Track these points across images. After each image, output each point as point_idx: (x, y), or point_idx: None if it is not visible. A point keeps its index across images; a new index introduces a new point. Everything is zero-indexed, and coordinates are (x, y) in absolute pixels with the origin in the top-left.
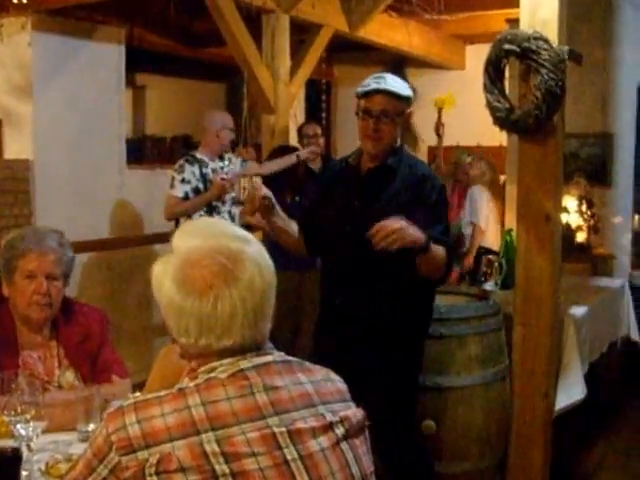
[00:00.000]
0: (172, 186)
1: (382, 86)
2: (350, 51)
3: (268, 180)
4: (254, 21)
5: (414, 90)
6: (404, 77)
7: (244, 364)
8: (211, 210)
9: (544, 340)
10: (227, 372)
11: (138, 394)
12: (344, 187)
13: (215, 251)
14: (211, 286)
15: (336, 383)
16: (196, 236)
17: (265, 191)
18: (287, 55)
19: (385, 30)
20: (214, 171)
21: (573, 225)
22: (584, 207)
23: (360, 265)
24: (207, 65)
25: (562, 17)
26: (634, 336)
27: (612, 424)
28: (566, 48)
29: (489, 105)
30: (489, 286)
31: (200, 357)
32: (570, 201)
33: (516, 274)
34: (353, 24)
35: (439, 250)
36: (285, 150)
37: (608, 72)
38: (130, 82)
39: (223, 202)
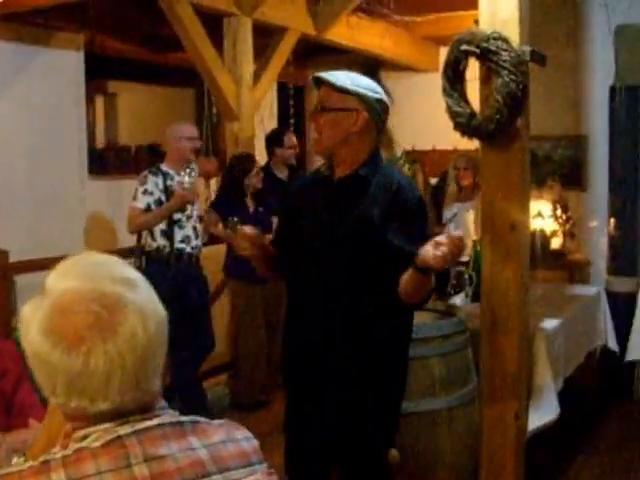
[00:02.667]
0: (135, 197)
1: (318, 74)
2: (323, 54)
3: (230, 191)
4: (215, 25)
5: (388, 94)
6: (378, 80)
7: (123, 430)
8: (174, 224)
9: (513, 358)
10: (101, 440)
11: (17, 460)
12: (314, 199)
13: (91, 297)
14: (82, 339)
15: (240, 443)
16: (73, 277)
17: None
18: (250, 59)
19: (354, 32)
20: (181, 184)
21: (547, 231)
22: (559, 212)
23: (330, 285)
24: (176, 71)
25: (523, 17)
26: (612, 345)
27: (589, 437)
28: (528, 49)
29: (449, 110)
30: (459, 299)
31: (76, 420)
32: (544, 206)
33: (481, 288)
34: (319, 27)
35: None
36: (240, 159)
37: (580, 73)
38: (101, 90)
39: (188, 217)
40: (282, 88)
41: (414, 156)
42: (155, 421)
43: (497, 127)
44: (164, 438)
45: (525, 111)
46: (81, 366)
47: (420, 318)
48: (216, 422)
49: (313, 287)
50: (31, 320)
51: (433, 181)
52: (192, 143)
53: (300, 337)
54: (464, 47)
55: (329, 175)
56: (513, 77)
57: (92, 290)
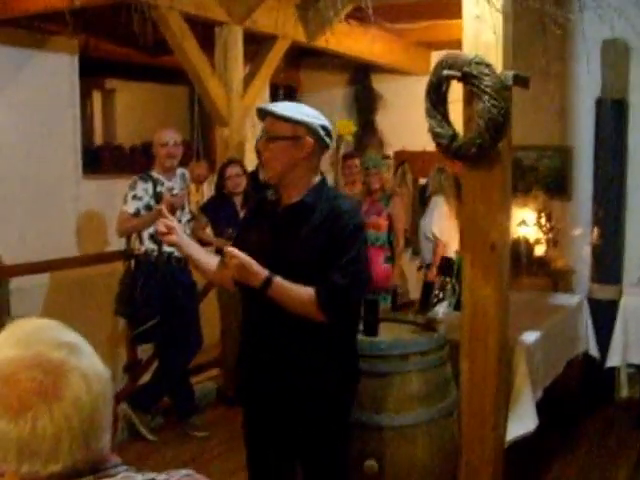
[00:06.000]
0: (125, 202)
1: (261, 106)
2: (316, 56)
3: (218, 196)
4: (207, 32)
5: (379, 97)
6: (369, 82)
7: None
8: None
9: (492, 373)
10: None
11: None
12: (260, 226)
13: (32, 364)
14: (28, 406)
15: None
16: (14, 344)
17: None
18: (240, 67)
19: (345, 38)
20: (170, 190)
21: (531, 239)
22: (543, 220)
23: (274, 310)
24: (171, 69)
25: (506, 41)
26: (593, 351)
27: (569, 443)
28: (510, 73)
29: (431, 130)
30: (443, 307)
31: None
32: (529, 214)
33: (462, 304)
34: (311, 34)
35: (291, 293)
36: (222, 165)
37: (567, 85)
38: (99, 86)
39: (177, 221)
40: (273, 89)
41: (404, 157)
42: None
43: (478, 151)
44: None
45: (507, 134)
46: (29, 431)
47: (401, 331)
48: (175, 474)
49: (260, 310)
50: None
51: (423, 181)
52: (167, 149)
53: (250, 356)
54: (446, 71)
55: (276, 200)
56: (494, 102)
57: (34, 356)
